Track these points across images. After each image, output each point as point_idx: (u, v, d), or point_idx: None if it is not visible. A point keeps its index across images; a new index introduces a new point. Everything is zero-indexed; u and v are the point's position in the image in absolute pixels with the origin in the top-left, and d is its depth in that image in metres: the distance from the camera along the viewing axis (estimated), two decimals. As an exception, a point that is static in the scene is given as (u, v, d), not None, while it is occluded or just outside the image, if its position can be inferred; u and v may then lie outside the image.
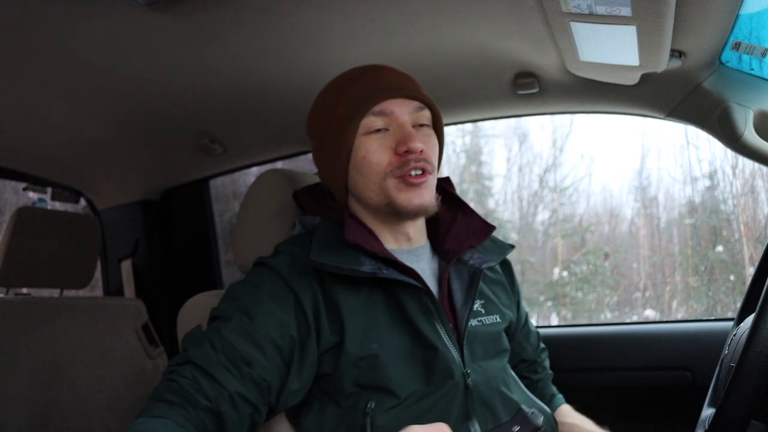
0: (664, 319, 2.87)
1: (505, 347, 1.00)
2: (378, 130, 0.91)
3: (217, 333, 0.80)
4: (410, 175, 0.89)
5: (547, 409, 1.03)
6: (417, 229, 0.98)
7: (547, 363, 1.17)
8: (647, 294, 2.97)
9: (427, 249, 1.00)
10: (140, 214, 2.07)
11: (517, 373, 1.08)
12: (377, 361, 0.84)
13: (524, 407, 0.92)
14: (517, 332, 1.10)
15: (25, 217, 1.69)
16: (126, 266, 2.07)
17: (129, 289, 2.05)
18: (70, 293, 1.86)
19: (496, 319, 0.99)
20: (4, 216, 3.13)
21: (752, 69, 1.19)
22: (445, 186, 1.06)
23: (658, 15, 0.93)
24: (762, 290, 0.89)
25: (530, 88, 1.41)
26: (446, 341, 0.88)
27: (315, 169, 1.05)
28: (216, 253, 2.18)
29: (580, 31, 1.05)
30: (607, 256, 3.10)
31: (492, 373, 0.93)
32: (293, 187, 1.06)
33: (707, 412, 1.00)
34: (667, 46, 1.04)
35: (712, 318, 2.40)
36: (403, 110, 0.91)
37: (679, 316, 2.91)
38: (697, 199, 2.90)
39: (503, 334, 1.01)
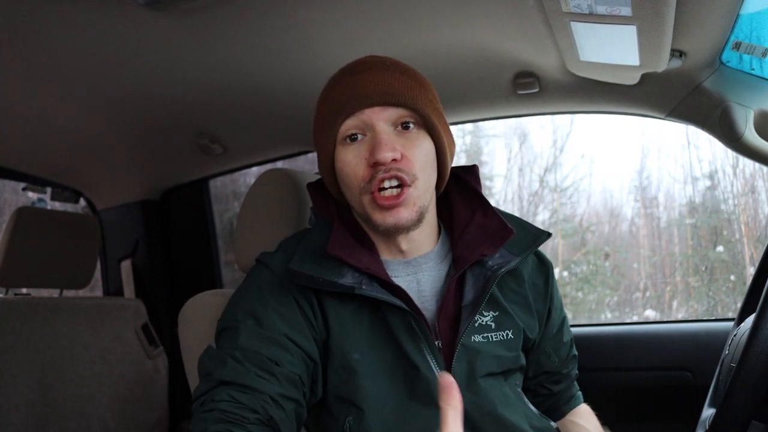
0: (665, 320, 2.87)
1: (512, 366, 0.91)
2: (355, 138, 0.84)
3: (233, 346, 0.78)
4: (382, 195, 0.82)
5: (554, 426, 0.95)
6: (411, 240, 0.89)
7: (574, 372, 1.05)
8: (647, 294, 2.97)
9: (431, 256, 0.91)
10: (140, 214, 2.06)
11: (537, 384, 1.00)
12: (356, 372, 0.82)
13: None
14: (545, 342, 0.98)
15: (25, 217, 1.69)
16: (126, 266, 2.07)
17: (129, 289, 2.05)
18: (69, 293, 1.86)
19: (507, 335, 0.89)
20: (4, 216, 3.13)
21: (753, 69, 1.18)
22: (467, 178, 0.97)
23: (659, 15, 0.93)
24: (762, 290, 0.89)
25: (530, 88, 1.41)
26: (431, 363, 0.83)
27: (315, 169, 1.04)
28: (216, 253, 2.18)
29: (581, 30, 1.05)
30: (607, 256, 3.09)
31: (486, 395, 0.85)
32: (294, 186, 1.06)
33: (708, 412, 1.00)
34: (667, 46, 1.04)
35: (713, 318, 2.39)
36: (381, 117, 0.83)
37: (680, 316, 2.90)
38: (698, 199, 2.90)
39: (515, 352, 0.92)
